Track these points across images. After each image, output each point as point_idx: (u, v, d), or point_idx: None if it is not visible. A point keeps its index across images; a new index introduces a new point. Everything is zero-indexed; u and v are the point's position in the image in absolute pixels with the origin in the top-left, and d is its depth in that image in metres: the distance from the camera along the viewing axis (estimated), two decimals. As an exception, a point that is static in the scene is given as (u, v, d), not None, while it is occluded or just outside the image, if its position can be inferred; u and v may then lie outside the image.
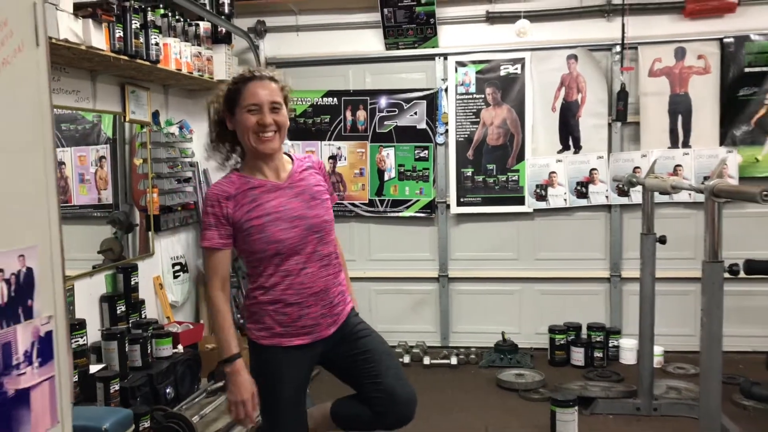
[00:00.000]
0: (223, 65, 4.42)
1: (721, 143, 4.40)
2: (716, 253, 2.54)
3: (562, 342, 4.41)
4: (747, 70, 4.33)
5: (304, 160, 2.14)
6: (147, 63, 3.50)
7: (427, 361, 4.46)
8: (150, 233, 4.22)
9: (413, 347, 4.60)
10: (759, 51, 4.33)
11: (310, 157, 2.21)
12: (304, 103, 4.83)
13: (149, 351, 3.57)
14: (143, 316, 3.89)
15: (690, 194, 4.29)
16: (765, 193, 2.09)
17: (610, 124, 4.54)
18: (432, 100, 4.71)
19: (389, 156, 4.77)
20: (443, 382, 4.17)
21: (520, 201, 4.68)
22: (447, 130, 4.70)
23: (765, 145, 4.34)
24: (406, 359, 4.49)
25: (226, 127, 2.04)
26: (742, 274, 3.81)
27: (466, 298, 4.82)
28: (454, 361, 4.44)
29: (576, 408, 3.16)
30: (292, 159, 2.12)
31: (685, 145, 4.45)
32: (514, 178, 4.67)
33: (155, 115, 4.31)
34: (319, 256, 2.03)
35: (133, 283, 3.82)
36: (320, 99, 4.81)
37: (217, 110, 2.05)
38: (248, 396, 1.97)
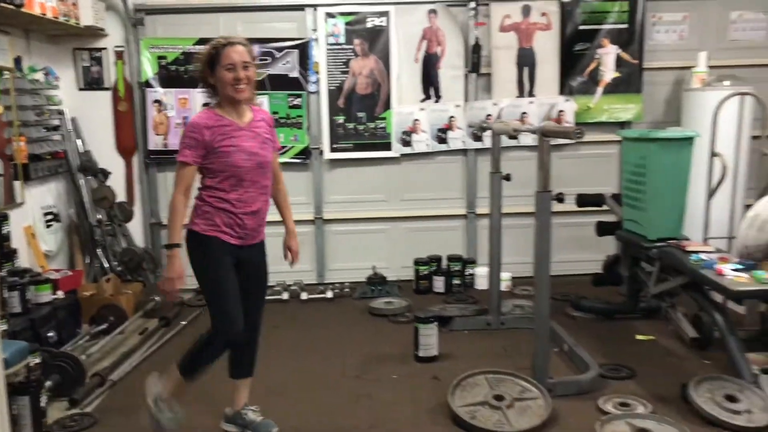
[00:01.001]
0: (89, 10, 4.35)
1: (561, 93, 4.99)
2: (546, 184, 3.03)
3: (425, 273, 4.90)
4: (581, 27, 4.92)
5: (259, 113, 2.70)
6: (10, 6, 3.43)
7: (304, 296, 4.79)
8: (18, 183, 4.15)
9: (291, 285, 4.90)
10: (591, 11, 4.92)
11: (264, 111, 2.79)
12: (175, 50, 4.84)
13: (28, 297, 3.61)
14: (16, 266, 3.87)
15: (533, 138, 4.84)
16: (577, 131, 2.57)
17: (466, 75, 4.98)
18: (304, 50, 4.91)
19: (263, 104, 4.93)
20: (321, 313, 4.53)
21: (388, 147, 5.04)
22: (318, 79, 4.94)
23: (595, 95, 4.98)
24: (285, 296, 4.79)
25: (207, 82, 2.60)
26: (575, 208, 4.46)
27: (340, 237, 5.18)
28: (330, 295, 4.81)
29: (435, 324, 3.62)
30: (252, 111, 2.67)
31: (531, 94, 4.99)
32: (382, 126, 5.02)
33: (17, 61, 4.18)
34: (261, 185, 2.64)
35: (4, 232, 3.78)
36: (192, 47, 4.85)
37: (201, 70, 2.59)
38: (178, 275, 2.52)
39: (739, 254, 3.39)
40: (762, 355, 3.31)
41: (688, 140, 3.65)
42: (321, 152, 5.03)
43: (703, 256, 3.35)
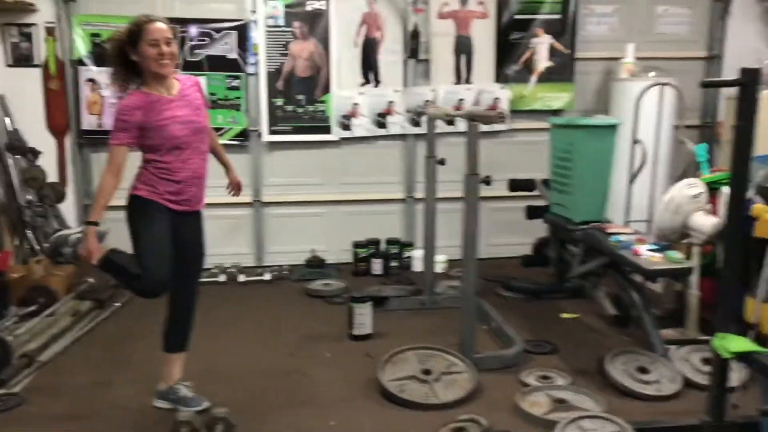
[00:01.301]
0: (18, -15, 4.21)
1: (497, 80, 5.12)
2: (474, 167, 3.14)
3: (364, 255, 4.98)
4: (517, 17, 5.05)
5: (187, 81, 2.78)
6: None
7: (242, 278, 4.80)
8: (-58, 161, 4.02)
9: (229, 268, 4.90)
10: (527, 1, 5.04)
11: (191, 78, 2.85)
12: (109, 28, 4.73)
13: (-48, 278, 3.52)
14: (-59, 246, 3.77)
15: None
16: (500, 115, 2.67)
17: (405, 61, 5.05)
18: (243, 31, 4.88)
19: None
20: (258, 295, 4.56)
21: (327, 130, 5.08)
22: (257, 61, 4.92)
23: (530, 83, 5.13)
24: (222, 278, 4.79)
25: (125, 59, 2.61)
26: (508, 192, 4.61)
27: (279, 220, 5.19)
28: (268, 277, 4.83)
29: (370, 303, 3.70)
30: (178, 81, 2.74)
31: (467, 81, 5.10)
32: (321, 109, 5.05)
33: (-60, 34, 4.03)
34: (200, 151, 2.74)
35: (-73, 211, 3.67)
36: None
37: (119, 47, 2.60)
38: (91, 252, 2.56)
39: (656, 236, 3.59)
40: (674, 331, 3.53)
41: (612, 128, 3.83)
42: (259, 135, 5.03)
43: (621, 237, 3.53)
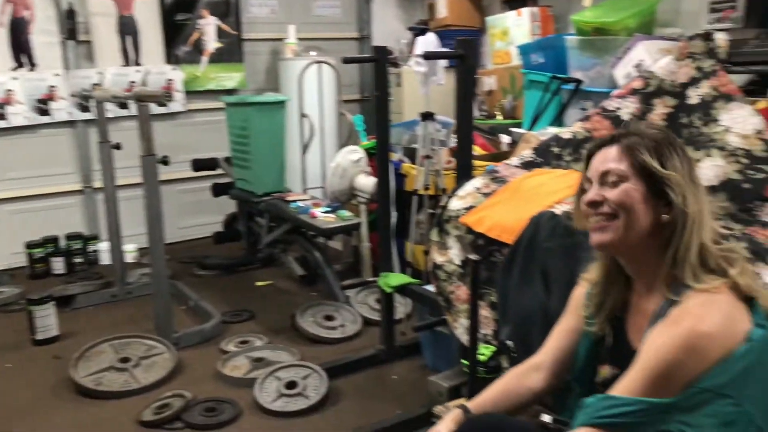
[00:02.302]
0: None
1: (167, 62, 5.06)
2: (149, 148, 3.13)
3: (41, 255, 4.56)
4: (179, -2, 5.05)
5: None
6: None
7: None
8: None
9: None
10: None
11: None
12: None
13: None
14: None
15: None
16: (165, 95, 2.73)
17: (63, 42, 4.69)
18: None
19: None
20: None
21: (-24, 121, 4.49)
22: None
23: (201, 64, 5.18)
24: None
25: None
26: (193, 173, 4.67)
27: (-74, 230, 4.47)
28: None
29: (51, 303, 3.44)
30: None
31: (137, 63, 4.95)
32: (-35, 98, 4.44)
33: None
34: None
35: None
36: None
37: None
38: None
39: (329, 198, 4.01)
40: (354, 280, 4.00)
41: (281, 104, 4.13)
42: None
43: (300, 203, 3.87)
